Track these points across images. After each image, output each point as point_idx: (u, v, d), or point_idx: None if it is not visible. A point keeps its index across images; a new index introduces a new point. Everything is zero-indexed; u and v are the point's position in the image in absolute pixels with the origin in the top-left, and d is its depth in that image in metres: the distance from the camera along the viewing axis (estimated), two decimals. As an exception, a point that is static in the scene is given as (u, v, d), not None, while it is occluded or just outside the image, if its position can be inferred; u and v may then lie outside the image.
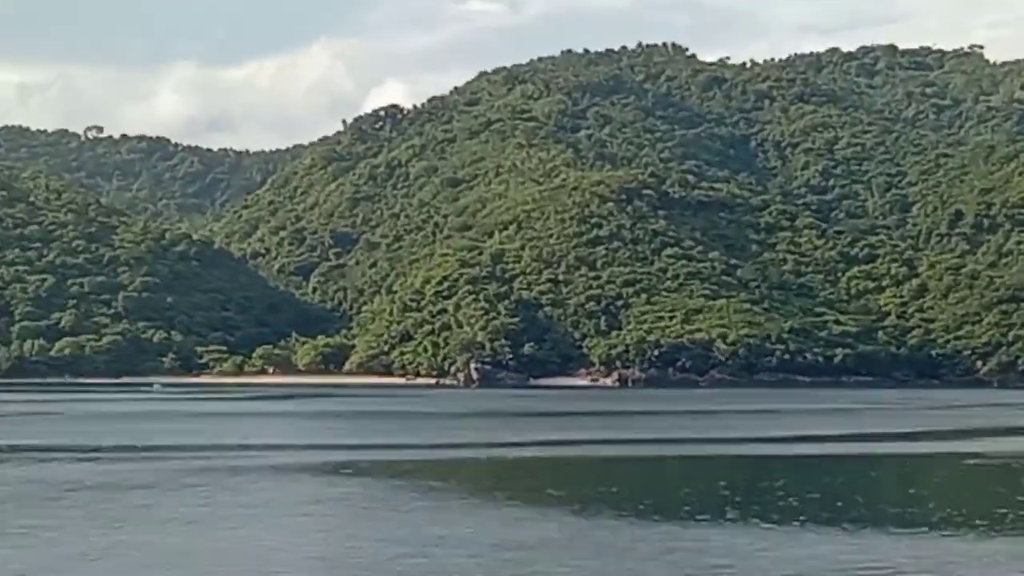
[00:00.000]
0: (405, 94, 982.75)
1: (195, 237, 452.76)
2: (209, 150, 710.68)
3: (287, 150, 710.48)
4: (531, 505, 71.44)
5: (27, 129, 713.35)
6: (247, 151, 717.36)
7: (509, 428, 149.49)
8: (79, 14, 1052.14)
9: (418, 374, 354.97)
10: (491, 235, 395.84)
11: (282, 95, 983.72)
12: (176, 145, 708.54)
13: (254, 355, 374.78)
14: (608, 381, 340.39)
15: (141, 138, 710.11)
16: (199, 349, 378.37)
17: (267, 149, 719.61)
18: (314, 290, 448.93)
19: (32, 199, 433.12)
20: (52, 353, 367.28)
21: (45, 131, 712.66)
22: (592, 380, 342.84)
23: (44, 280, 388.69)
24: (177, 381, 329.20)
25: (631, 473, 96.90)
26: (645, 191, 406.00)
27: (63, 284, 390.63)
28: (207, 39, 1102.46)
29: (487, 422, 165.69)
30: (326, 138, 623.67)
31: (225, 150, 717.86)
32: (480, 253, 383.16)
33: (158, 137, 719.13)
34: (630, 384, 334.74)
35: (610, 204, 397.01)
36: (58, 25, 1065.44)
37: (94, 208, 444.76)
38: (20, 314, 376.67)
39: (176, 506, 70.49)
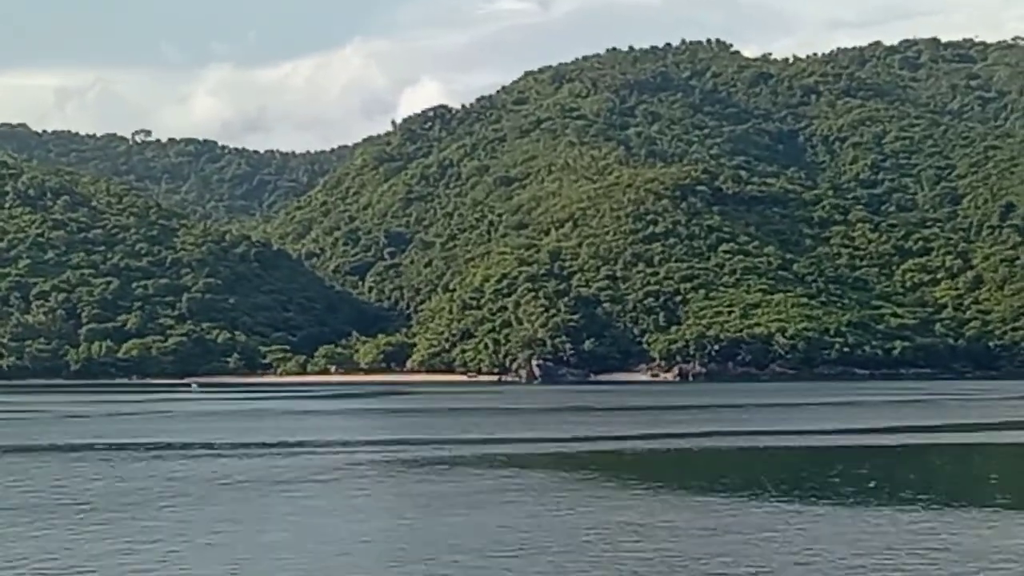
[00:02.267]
0: (440, 93, 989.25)
1: (253, 238, 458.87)
2: (256, 152, 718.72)
3: (332, 151, 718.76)
4: (655, 494, 76.50)
5: (76, 134, 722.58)
6: (293, 152, 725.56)
7: (601, 422, 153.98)
8: (115, 18, 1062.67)
9: (479, 371, 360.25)
10: (547, 233, 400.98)
11: (317, 95, 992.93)
12: (223, 147, 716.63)
13: (316, 354, 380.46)
14: (668, 376, 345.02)
15: (188, 141, 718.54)
16: (262, 349, 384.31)
17: (312, 150, 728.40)
18: (370, 289, 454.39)
19: (94, 203, 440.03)
20: (120, 355, 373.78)
21: (94, 135, 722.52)
22: (652, 375, 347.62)
23: (109, 283, 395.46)
24: (213, 382, 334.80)
25: (739, 462, 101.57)
26: (699, 187, 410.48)
27: (128, 287, 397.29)
28: (242, 41, 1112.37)
29: (576, 416, 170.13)
30: (373, 138, 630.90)
31: (271, 151, 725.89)
32: (538, 251, 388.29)
33: (205, 140, 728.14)
34: (690, 379, 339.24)
35: (665, 201, 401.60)
36: (95, 29, 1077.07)
37: (155, 211, 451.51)
38: (87, 316, 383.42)
39: (336, 498, 75.46)
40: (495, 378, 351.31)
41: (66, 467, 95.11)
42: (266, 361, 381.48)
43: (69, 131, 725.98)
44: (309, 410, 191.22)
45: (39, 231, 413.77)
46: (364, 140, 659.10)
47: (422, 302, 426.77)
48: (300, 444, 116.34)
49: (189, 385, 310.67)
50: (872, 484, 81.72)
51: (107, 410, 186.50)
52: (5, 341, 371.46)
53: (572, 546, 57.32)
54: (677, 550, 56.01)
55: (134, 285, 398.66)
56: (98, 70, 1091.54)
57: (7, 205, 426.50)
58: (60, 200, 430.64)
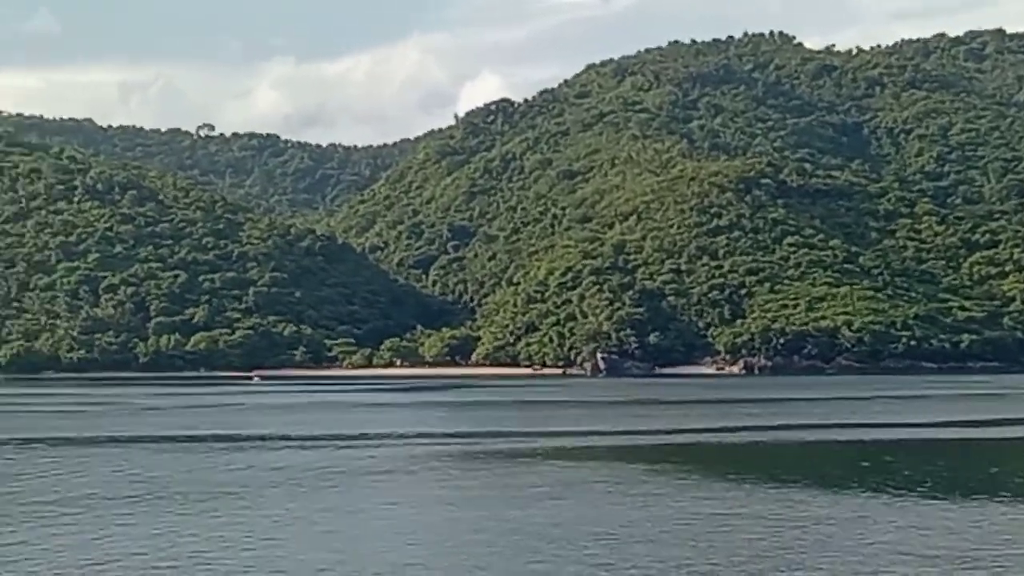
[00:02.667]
0: (499, 87, 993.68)
1: (318, 232, 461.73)
2: (318, 146, 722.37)
3: (394, 144, 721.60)
4: (735, 484, 77.14)
5: (140, 128, 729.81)
6: (355, 146, 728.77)
7: (675, 415, 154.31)
8: (178, 14, 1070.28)
9: (544, 364, 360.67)
10: (611, 226, 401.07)
11: (377, 90, 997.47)
12: (286, 141, 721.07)
13: (382, 347, 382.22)
14: (734, 369, 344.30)
15: (252, 135, 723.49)
16: (328, 342, 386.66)
17: (373, 144, 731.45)
18: (434, 283, 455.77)
19: (161, 198, 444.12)
20: (187, 348, 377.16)
21: (158, 130, 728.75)
22: (717, 368, 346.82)
23: (177, 276, 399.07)
24: (276, 374, 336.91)
25: (816, 455, 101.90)
26: (763, 180, 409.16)
27: (195, 280, 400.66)
28: (302, 36, 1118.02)
29: (649, 409, 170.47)
30: (435, 132, 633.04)
31: (334, 145, 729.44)
32: (602, 244, 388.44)
33: (268, 134, 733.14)
34: (756, 372, 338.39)
35: (729, 194, 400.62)
36: (158, 25, 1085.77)
37: (221, 205, 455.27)
38: (155, 310, 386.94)
39: (428, 488, 76.68)
40: (559, 371, 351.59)
41: (160, 458, 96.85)
42: (332, 354, 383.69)
43: (134, 126, 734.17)
44: (382, 403, 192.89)
45: (107, 225, 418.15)
46: (426, 134, 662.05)
47: (486, 295, 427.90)
48: (381, 436, 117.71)
49: (251, 378, 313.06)
50: (948, 477, 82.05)
51: (182, 403, 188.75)
52: (75, 334, 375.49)
53: (669, 537, 58.07)
54: (772, 541, 56.67)
55: (201, 279, 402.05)
56: (160, 65, 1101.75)
57: (76, 199, 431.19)
58: (128, 194, 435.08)
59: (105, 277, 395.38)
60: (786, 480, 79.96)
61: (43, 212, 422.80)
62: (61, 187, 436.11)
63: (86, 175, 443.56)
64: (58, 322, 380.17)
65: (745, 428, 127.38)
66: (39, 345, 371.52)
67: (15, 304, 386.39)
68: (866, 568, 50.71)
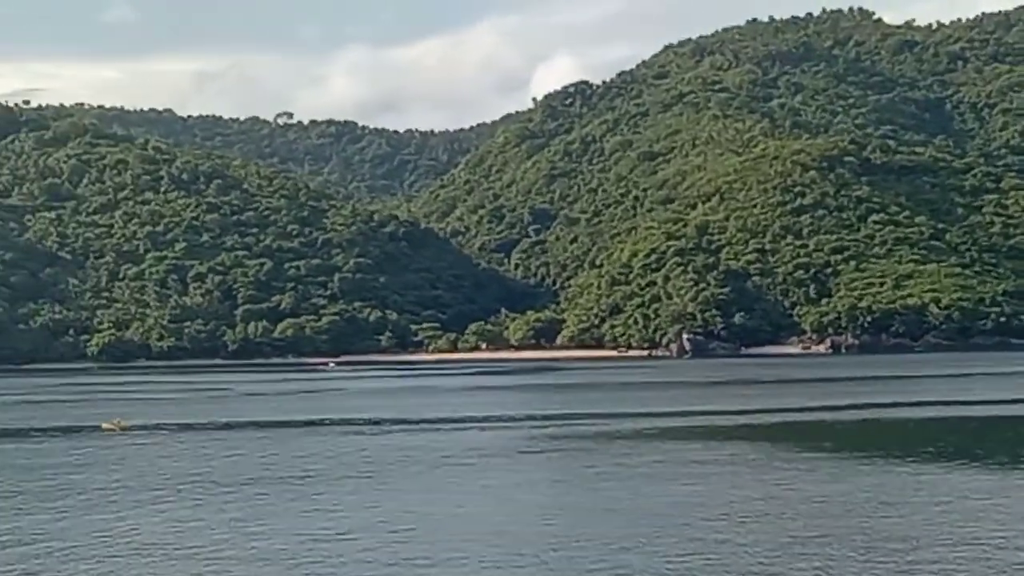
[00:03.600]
0: (574, 68, 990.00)
1: (401, 218, 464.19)
2: (395, 132, 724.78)
3: (471, 129, 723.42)
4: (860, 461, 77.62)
5: (220, 118, 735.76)
6: (432, 131, 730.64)
7: (774, 394, 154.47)
8: (252, 2, 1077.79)
9: (629, 346, 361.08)
10: (694, 207, 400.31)
11: (451, 74, 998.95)
12: (363, 128, 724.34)
13: (467, 331, 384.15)
14: (820, 348, 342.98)
15: (330, 122, 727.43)
16: (413, 327, 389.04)
17: (450, 128, 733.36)
18: (516, 266, 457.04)
19: (245, 186, 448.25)
20: (275, 335, 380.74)
21: (237, 119, 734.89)
22: (804, 348, 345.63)
23: (263, 264, 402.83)
24: (352, 360, 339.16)
25: (926, 431, 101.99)
26: (846, 158, 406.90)
27: (281, 268, 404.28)
28: (376, 22, 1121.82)
29: (747, 389, 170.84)
30: (512, 116, 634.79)
31: (411, 131, 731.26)
32: (685, 225, 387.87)
33: (346, 121, 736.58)
34: (843, 351, 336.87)
35: (812, 172, 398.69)
36: (232, 14, 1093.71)
37: (304, 193, 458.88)
38: (243, 297, 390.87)
39: (545, 470, 77.78)
40: (645, 353, 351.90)
41: (276, 442, 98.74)
42: (417, 339, 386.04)
43: (213, 115, 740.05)
44: (480, 386, 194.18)
45: (194, 215, 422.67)
46: (503, 117, 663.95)
47: (568, 278, 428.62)
48: (490, 419, 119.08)
49: (326, 364, 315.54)
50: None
51: (281, 389, 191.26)
52: (164, 323, 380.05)
53: (802, 515, 58.70)
54: (923, 515, 57.17)
55: (286, 266, 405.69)
56: (235, 54, 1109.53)
57: (163, 190, 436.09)
58: (213, 184, 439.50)
59: (192, 266, 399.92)
60: (911, 456, 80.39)
61: (131, 203, 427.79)
62: (148, 178, 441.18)
63: (171, 165, 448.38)
64: (148, 311, 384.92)
65: (853, 406, 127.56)
66: (130, 334, 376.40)
67: (105, 294, 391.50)
68: None
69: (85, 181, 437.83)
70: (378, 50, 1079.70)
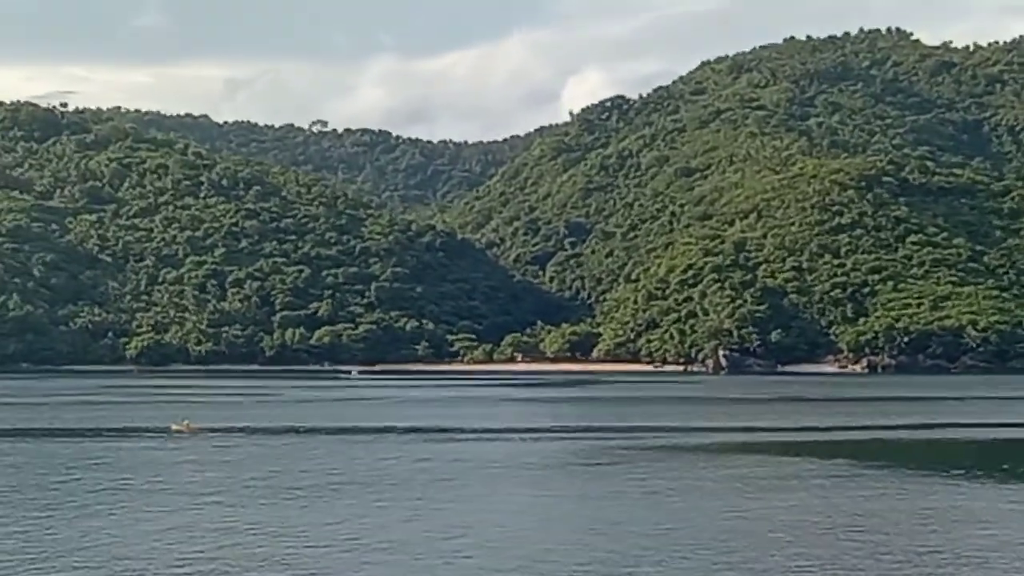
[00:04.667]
0: (603, 82, 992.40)
1: (438, 228, 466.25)
2: (429, 142, 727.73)
3: (504, 141, 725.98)
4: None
5: (255, 124, 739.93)
6: (465, 142, 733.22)
7: (820, 412, 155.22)
8: (283, 10, 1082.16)
9: (665, 361, 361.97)
10: (732, 223, 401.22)
11: (480, 86, 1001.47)
12: (397, 137, 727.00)
13: (503, 343, 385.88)
14: (856, 368, 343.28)
15: (363, 131, 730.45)
16: (450, 337, 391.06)
17: (484, 140, 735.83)
18: (551, 279, 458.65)
19: (284, 193, 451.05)
20: (312, 341, 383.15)
21: (272, 125, 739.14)
22: (840, 367, 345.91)
23: (301, 271, 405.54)
24: (373, 369, 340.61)
25: (981, 452, 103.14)
26: (884, 178, 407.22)
27: (318, 275, 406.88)
28: (406, 32, 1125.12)
29: (791, 406, 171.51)
30: (547, 128, 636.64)
31: (444, 142, 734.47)
32: (722, 241, 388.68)
33: (380, 130, 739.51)
34: (880, 371, 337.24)
35: (850, 192, 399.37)
36: (264, 21, 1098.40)
37: (342, 201, 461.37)
38: (280, 304, 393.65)
39: (644, 479, 79.02)
40: (680, 368, 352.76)
41: (335, 448, 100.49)
42: (453, 349, 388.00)
43: (248, 121, 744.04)
44: (523, 398, 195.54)
45: (233, 220, 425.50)
46: (537, 130, 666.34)
47: (603, 292, 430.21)
48: (536, 430, 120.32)
49: (349, 372, 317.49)
50: None
51: (332, 395, 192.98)
52: (203, 327, 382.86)
53: (875, 533, 59.94)
54: (999, 535, 58.38)
55: (324, 273, 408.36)
56: (266, 61, 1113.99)
57: (202, 195, 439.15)
58: (252, 190, 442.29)
59: (231, 271, 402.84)
60: (962, 475, 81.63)
61: (171, 207, 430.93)
62: (188, 183, 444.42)
63: (211, 171, 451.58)
64: (186, 315, 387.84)
65: (905, 426, 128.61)
66: (168, 338, 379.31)
67: (144, 297, 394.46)
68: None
69: (126, 185, 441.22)
70: (407, 60, 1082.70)
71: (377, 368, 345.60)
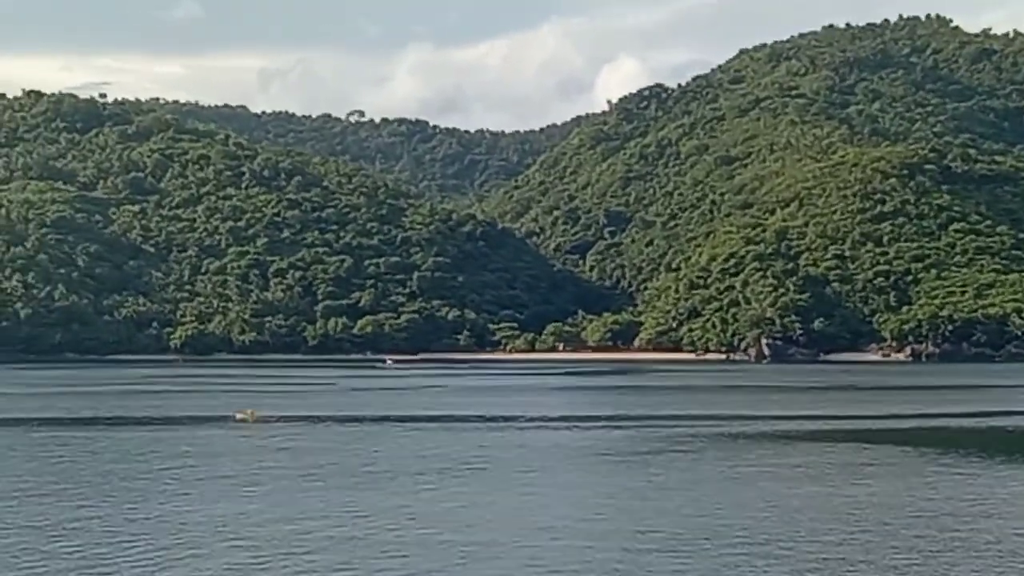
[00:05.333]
0: (637, 71, 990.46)
1: (479, 218, 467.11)
2: (466, 132, 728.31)
3: (541, 130, 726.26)
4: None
5: (292, 115, 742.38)
6: (502, 132, 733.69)
7: (874, 400, 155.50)
8: (316, 0, 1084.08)
9: (707, 350, 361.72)
10: (773, 212, 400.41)
11: (513, 75, 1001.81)
12: (434, 127, 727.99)
13: (545, 332, 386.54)
14: (900, 356, 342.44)
15: (401, 121, 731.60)
16: (491, 327, 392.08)
17: (521, 130, 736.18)
18: (591, 268, 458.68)
19: (325, 183, 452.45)
20: (355, 331, 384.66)
21: (309, 116, 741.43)
22: (883, 355, 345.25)
23: (343, 261, 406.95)
24: (405, 358, 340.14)
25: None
26: (927, 166, 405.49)
27: (360, 265, 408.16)
28: (440, 22, 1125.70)
29: (845, 395, 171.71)
30: (586, 117, 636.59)
31: (481, 131, 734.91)
32: (763, 230, 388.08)
33: (416, 120, 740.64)
34: (923, 359, 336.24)
35: (892, 180, 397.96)
36: (296, 12, 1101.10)
37: (383, 191, 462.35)
38: (323, 294, 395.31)
39: (719, 467, 79.69)
40: (723, 356, 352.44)
41: (402, 436, 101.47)
42: (495, 338, 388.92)
43: (286, 111, 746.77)
44: (572, 386, 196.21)
45: (275, 211, 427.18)
46: (574, 119, 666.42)
47: (644, 281, 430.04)
48: (590, 419, 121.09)
49: (384, 361, 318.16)
50: None
51: (381, 384, 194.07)
52: (246, 317, 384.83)
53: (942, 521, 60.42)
54: None
55: (366, 263, 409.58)
56: (299, 51, 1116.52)
57: (244, 185, 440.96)
58: (293, 180, 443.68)
59: (273, 261, 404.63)
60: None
61: (213, 197, 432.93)
62: (229, 173, 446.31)
63: (253, 161, 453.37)
64: (229, 305, 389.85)
65: (970, 414, 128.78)
66: (212, 327, 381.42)
67: (188, 287, 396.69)
68: None
69: (168, 175, 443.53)
70: (441, 49, 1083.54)
71: (412, 358, 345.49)
